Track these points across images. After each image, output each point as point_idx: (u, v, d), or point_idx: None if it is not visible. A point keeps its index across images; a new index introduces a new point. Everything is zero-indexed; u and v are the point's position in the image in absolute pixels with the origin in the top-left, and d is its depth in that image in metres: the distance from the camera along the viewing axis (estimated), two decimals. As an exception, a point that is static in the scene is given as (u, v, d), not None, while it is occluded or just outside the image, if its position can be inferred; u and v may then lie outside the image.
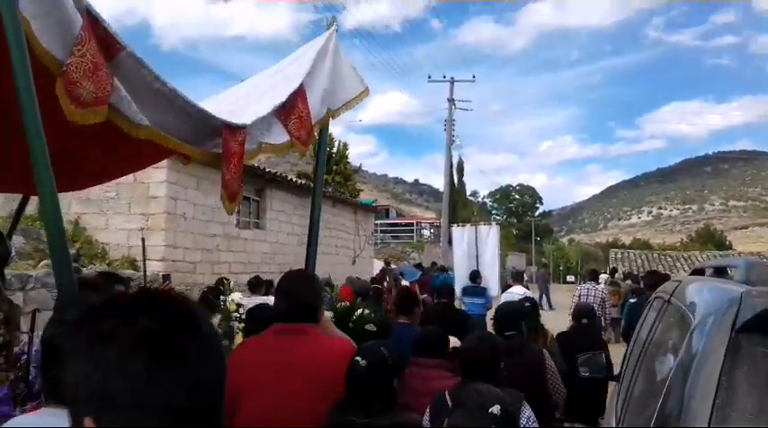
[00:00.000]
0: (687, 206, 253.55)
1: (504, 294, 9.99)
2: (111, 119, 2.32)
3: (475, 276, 11.63)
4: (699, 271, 2.96)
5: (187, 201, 11.17)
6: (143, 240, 8.27)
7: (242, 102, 3.73)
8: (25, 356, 2.88)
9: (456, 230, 16.68)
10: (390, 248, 33.77)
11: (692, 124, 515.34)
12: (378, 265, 21.85)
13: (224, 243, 12.27)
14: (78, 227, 10.75)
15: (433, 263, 21.36)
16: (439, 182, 31.45)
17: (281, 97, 3.51)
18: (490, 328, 8.47)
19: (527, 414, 2.95)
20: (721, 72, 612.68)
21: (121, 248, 10.71)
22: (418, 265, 19.91)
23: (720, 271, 2.43)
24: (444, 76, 29.97)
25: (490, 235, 16.10)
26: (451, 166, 43.35)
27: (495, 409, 2.21)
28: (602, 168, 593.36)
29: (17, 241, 8.27)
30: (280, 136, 3.50)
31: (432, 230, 38.93)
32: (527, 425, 2.91)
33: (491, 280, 14.83)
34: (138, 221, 10.65)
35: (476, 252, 15.52)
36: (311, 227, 4.18)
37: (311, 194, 15.97)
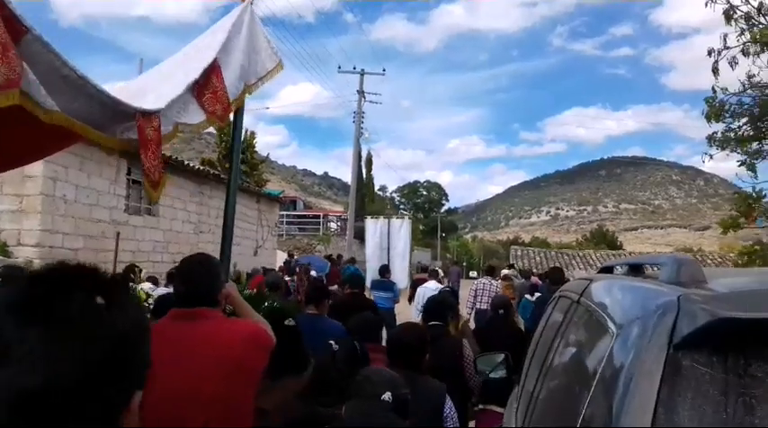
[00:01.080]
0: (582, 207, 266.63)
1: (419, 289, 10.46)
2: (22, 103, 2.25)
3: (383, 270, 11.76)
4: (607, 270, 2.72)
5: (68, 183, 10.20)
6: (117, 234, 7.53)
7: (153, 79, 3.63)
8: None
9: (369, 222, 16.77)
10: (296, 240, 33.22)
11: (590, 129, 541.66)
12: (281, 257, 21.27)
13: (110, 229, 11.35)
14: (-61, 208, 9.59)
15: (339, 255, 21.10)
16: (348, 176, 31.19)
17: (194, 74, 3.43)
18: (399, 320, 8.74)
19: (448, 404, 3.14)
20: (618, 81, 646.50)
21: (-10, 232, 9.63)
22: (328, 257, 19.56)
23: (636, 269, 2.18)
24: (354, 68, 29.58)
25: (402, 228, 16.44)
26: (360, 160, 43.18)
27: (387, 396, 2.24)
28: (506, 168, 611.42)
29: None
30: (196, 114, 3.45)
31: (339, 223, 38.62)
32: (449, 414, 3.11)
33: (400, 272, 15.03)
34: (10, 202, 9.62)
35: (387, 244, 15.75)
36: (226, 214, 4.09)
37: (210, 181, 15.31)
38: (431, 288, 10.36)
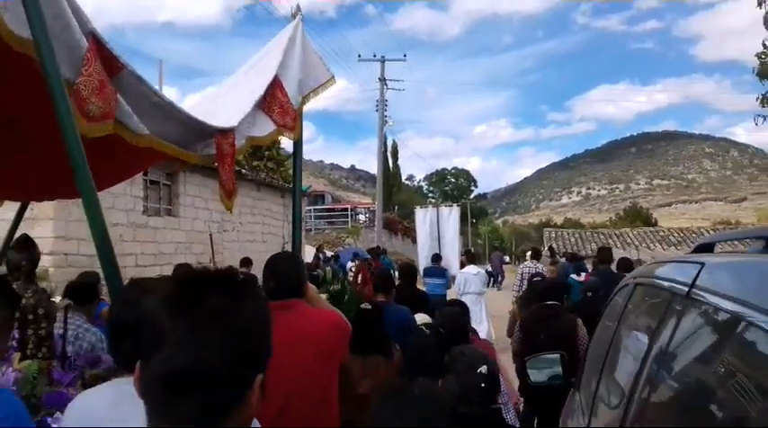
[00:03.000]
0: (614, 186, 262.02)
1: (459, 275, 11.02)
2: (117, 131, 2.59)
3: (436, 258, 12.18)
4: (705, 248, 2.06)
5: (81, 186, 9.79)
6: (210, 236, 7.61)
7: (221, 101, 3.97)
8: (61, 342, 3.37)
9: (419, 212, 17.41)
10: (325, 234, 32.75)
11: (620, 106, 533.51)
12: (310, 252, 20.81)
13: (129, 232, 10.94)
14: (-51, 219, 9.22)
15: (384, 249, 20.82)
16: (375, 168, 30.73)
17: (260, 91, 3.77)
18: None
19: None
20: (647, 55, 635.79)
21: None
22: (372, 250, 19.41)
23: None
24: (374, 55, 28.92)
25: (451, 216, 16.93)
26: (386, 149, 42.58)
27: (483, 368, 2.36)
28: (536, 150, 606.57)
29: None
30: (265, 127, 3.81)
31: (367, 215, 38.11)
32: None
33: (452, 259, 15.30)
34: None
35: (437, 232, 16.04)
36: (294, 215, 4.68)
37: (238, 179, 14.88)
38: (471, 272, 10.88)
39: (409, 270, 7.56)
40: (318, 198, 41.90)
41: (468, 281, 10.66)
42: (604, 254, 8.74)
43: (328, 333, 2.73)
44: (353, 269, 12.11)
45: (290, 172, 29.45)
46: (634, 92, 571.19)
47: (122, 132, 2.61)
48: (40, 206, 9.20)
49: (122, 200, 10.75)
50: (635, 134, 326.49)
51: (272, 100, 3.84)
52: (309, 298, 2.96)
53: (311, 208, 33.00)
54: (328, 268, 12.79)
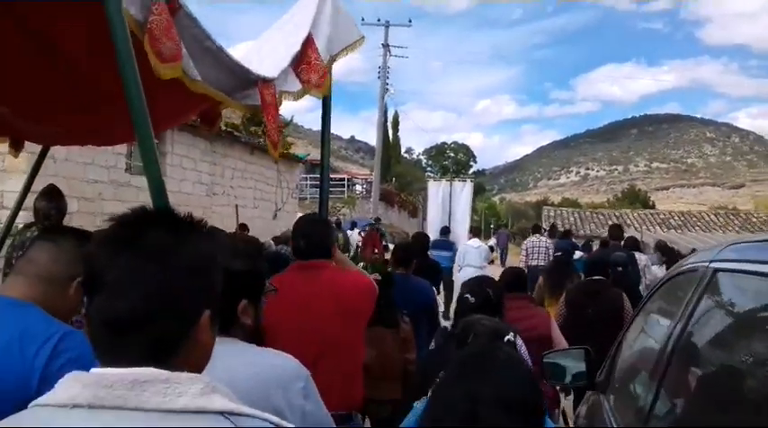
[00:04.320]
0: (613, 167, 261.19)
1: (461, 246, 11.38)
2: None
3: (444, 231, 12.55)
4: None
5: (57, 139, 9.14)
6: (236, 208, 7.30)
7: (257, 56, 3.89)
8: None
9: (432, 185, 17.58)
10: (320, 203, 32.09)
11: (624, 87, 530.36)
12: (303, 220, 20.25)
13: (109, 190, 10.30)
14: None
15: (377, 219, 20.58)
16: (375, 140, 30.24)
17: (295, 48, 3.75)
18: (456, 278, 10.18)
19: (519, 342, 3.24)
20: (654, 36, 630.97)
21: (-31, 196, 8.64)
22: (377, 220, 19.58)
23: None
24: (379, 20, 28.02)
25: (464, 191, 16.91)
26: (386, 120, 41.84)
27: (511, 336, 2.27)
28: (538, 128, 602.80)
29: None
30: (294, 84, 3.78)
31: (364, 186, 37.58)
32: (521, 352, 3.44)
33: (461, 234, 15.40)
34: (-10, 162, 8.58)
35: (449, 206, 16.23)
36: (321, 177, 4.66)
37: (224, 139, 14.28)
38: (473, 245, 11.02)
39: (420, 239, 7.58)
40: (316, 167, 41.24)
41: (468, 253, 10.71)
42: (615, 230, 8.78)
43: (353, 292, 2.79)
44: (362, 235, 12.17)
45: (288, 139, 28.66)
46: (639, 72, 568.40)
47: (182, 77, 2.55)
48: (12, 158, 8.54)
49: (103, 156, 10.09)
50: (637, 116, 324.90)
51: (302, 57, 3.84)
52: (338, 260, 3.00)
53: (307, 176, 32.38)
54: (340, 235, 12.40)
